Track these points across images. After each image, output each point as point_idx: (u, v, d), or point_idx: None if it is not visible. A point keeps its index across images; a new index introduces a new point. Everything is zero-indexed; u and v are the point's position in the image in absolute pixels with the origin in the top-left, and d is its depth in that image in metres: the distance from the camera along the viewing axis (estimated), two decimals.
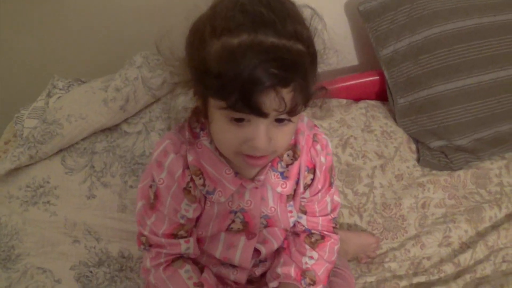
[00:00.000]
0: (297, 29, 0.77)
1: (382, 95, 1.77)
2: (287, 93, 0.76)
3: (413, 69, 1.63)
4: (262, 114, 0.76)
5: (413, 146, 1.66)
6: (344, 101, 1.75)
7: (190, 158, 0.91)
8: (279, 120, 0.81)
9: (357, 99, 1.76)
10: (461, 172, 1.61)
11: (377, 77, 1.77)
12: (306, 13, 0.84)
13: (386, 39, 1.65)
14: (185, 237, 0.98)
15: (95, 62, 1.58)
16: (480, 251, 1.43)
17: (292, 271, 1.04)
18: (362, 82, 1.77)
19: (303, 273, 1.04)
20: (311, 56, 0.80)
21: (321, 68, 0.85)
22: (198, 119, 0.91)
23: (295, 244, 1.09)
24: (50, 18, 1.49)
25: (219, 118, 0.81)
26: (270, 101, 0.75)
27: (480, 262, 1.41)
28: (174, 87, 1.15)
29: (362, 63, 1.91)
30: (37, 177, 1.34)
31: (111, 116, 1.41)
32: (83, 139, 1.42)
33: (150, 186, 0.94)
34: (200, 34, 0.78)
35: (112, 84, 1.42)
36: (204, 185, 0.92)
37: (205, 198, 0.95)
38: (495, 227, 1.49)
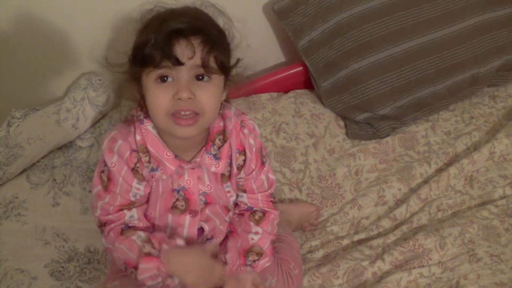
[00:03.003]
0: (204, 16, 1.00)
1: (309, 83, 1.84)
2: (197, 45, 0.93)
3: (329, 53, 1.72)
4: (177, 61, 0.92)
5: (341, 123, 1.74)
6: (275, 94, 1.82)
7: (138, 137, 1.04)
8: (199, 78, 0.96)
9: (287, 91, 1.84)
10: (388, 139, 1.70)
11: (301, 68, 1.84)
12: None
13: (301, 30, 1.73)
14: (129, 209, 1.09)
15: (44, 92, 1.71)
16: (414, 204, 1.51)
17: (235, 256, 1.16)
18: (288, 75, 1.85)
19: (246, 253, 1.16)
20: (218, 30, 1.00)
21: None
22: (142, 108, 1.05)
23: (241, 224, 1.20)
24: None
25: (150, 86, 0.96)
26: (182, 49, 0.92)
27: (415, 213, 1.49)
28: (118, 102, 1.36)
29: (289, 59, 1.99)
30: (6, 195, 1.46)
31: (65, 134, 1.55)
32: (43, 157, 1.54)
33: (102, 171, 1.07)
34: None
35: (62, 106, 1.56)
36: (149, 162, 1.05)
37: (151, 177, 1.08)
38: (426, 182, 1.57)
